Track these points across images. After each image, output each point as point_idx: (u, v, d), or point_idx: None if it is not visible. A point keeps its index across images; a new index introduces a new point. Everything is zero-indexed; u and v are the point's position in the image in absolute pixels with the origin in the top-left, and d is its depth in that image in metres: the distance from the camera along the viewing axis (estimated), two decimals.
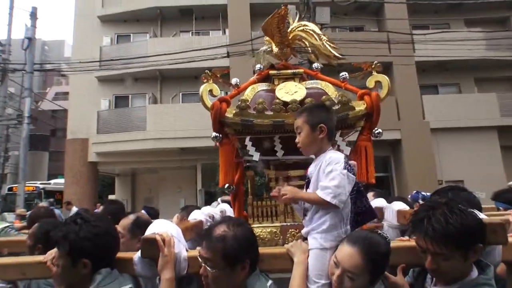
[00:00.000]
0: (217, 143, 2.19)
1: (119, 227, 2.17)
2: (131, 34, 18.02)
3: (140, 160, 16.00)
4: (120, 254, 1.82)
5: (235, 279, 1.51)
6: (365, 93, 2.22)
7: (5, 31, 14.98)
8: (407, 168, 13.83)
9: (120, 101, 17.51)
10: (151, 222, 2.04)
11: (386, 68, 15.39)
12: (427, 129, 14.46)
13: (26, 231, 2.70)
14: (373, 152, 2.20)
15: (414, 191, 4.82)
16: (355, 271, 1.41)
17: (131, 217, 2.17)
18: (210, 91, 2.21)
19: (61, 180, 25.02)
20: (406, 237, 1.86)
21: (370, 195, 3.12)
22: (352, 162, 1.79)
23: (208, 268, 1.50)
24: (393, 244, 1.65)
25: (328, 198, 1.56)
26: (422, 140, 14.09)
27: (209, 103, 2.16)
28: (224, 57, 13.81)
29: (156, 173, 17.82)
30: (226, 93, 2.47)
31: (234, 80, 2.35)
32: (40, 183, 22.81)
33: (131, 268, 1.71)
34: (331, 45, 2.42)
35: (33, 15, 13.41)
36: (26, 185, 22.64)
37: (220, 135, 2.17)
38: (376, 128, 2.21)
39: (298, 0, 10.50)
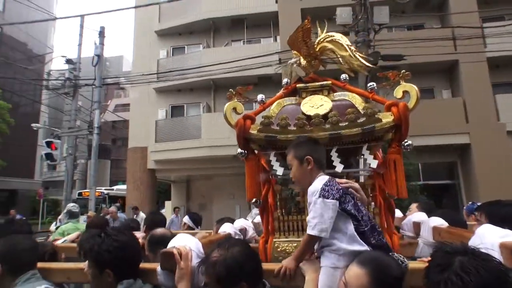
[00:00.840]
0: (243, 159, 2.29)
1: (143, 240, 2.34)
2: (185, 46, 18.93)
3: (195, 167, 16.65)
4: (145, 265, 1.99)
5: None
6: (393, 104, 2.17)
7: (76, 50, 16.28)
8: (478, 174, 12.68)
9: (176, 111, 18.45)
10: (164, 236, 2.20)
11: (451, 67, 14.57)
12: (502, 131, 13.12)
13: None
14: (403, 165, 2.16)
15: (470, 202, 4.53)
16: None
17: (157, 233, 2.32)
18: (234, 109, 2.32)
19: (122, 186, 27.11)
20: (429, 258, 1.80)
21: (413, 206, 3.05)
22: (331, 182, 1.80)
23: None
24: (413, 265, 1.63)
25: (308, 231, 1.70)
26: (496, 144, 12.87)
27: (233, 120, 2.26)
28: (276, 64, 13.97)
29: (210, 180, 18.41)
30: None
31: (259, 97, 2.43)
32: (105, 189, 25.18)
33: (155, 278, 1.86)
34: (360, 55, 2.42)
35: (101, 34, 14.42)
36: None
37: (246, 151, 2.26)
38: (405, 140, 2.16)
39: (352, 1, 10.35)
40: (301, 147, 1.93)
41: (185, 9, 17.83)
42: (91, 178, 14.26)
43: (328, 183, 1.77)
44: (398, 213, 2.65)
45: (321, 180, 1.80)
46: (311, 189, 1.78)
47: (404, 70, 2.27)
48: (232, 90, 2.35)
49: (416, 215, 2.59)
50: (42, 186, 33.91)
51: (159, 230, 2.41)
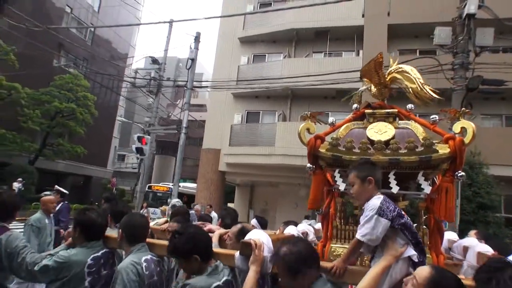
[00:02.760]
0: (311, 173, 2.72)
1: (230, 233, 2.88)
2: (266, 54, 19.59)
3: (264, 173, 17.20)
4: (226, 251, 2.55)
5: (299, 285, 2.02)
6: (450, 137, 2.45)
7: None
8: None
9: (252, 117, 19.12)
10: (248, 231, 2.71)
11: None
12: None
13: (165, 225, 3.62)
14: (454, 193, 2.44)
15: None
16: None
17: (239, 226, 2.83)
18: (308, 129, 2.76)
19: (188, 184, 28.99)
20: (463, 275, 2.09)
21: (472, 233, 3.25)
22: (387, 202, 2.14)
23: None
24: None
25: (357, 237, 2.09)
26: None
27: (306, 139, 2.71)
28: (356, 78, 14.03)
29: (275, 187, 18.84)
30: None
31: (330, 119, 2.85)
32: (172, 185, 26.63)
33: (232, 262, 2.39)
34: (429, 87, 2.73)
35: (197, 39, 15.48)
36: (162, 185, 26.82)
37: (314, 166, 2.69)
38: (459, 171, 2.44)
39: (452, 20, 10.11)
40: (364, 168, 2.30)
41: (269, 18, 18.51)
42: (176, 175, 15.18)
43: (384, 203, 2.11)
44: (454, 236, 2.89)
45: (378, 198, 2.16)
46: (370, 204, 2.13)
47: (464, 108, 2.54)
48: (307, 113, 2.80)
49: (467, 240, 2.81)
50: (114, 176, 37.36)
51: (246, 226, 2.93)
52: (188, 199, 25.06)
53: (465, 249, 2.64)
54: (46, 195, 8.07)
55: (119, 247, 2.76)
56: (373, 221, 2.05)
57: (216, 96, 19.43)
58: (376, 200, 2.13)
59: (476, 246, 2.62)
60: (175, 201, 8.25)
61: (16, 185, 14.93)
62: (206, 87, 17.47)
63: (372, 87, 2.89)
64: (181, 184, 30.32)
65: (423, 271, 1.71)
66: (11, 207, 3.07)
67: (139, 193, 17.48)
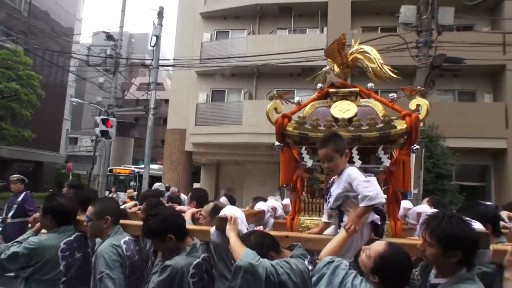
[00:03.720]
0: (279, 150, 2.87)
1: (202, 211, 3.01)
2: (230, 31, 19.18)
3: (232, 152, 17.22)
4: (201, 227, 2.69)
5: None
6: (407, 114, 2.67)
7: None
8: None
9: (217, 95, 18.85)
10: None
11: (497, 72, 14.47)
12: None
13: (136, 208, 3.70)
14: (410, 165, 2.68)
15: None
16: None
17: (211, 205, 2.96)
18: (275, 109, 2.90)
19: (153, 166, 28.47)
20: (417, 237, 2.33)
21: (425, 200, 3.55)
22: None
23: None
24: (405, 241, 2.20)
25: (368, 203, 2.16)
26: None
27: (273, 118, 2.85)
28: (322, 56, 14.22)
29: (241, 165, 18.89)
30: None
31: (296, 99, 2.99)
32: (135, 167, 26.22)
33: (209, 237, 2.50)
34: (387, 67, 2.92)
35: (160, 14, 14.61)
36: (124, 168, 26.08)
37: (282, 144, 2.85)
38: (414, 145, 2.67)
39: None
40: (340, 142, 2.41)
41: None
42: (146, 157, 14.57)
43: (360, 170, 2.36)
44: (409, 204, 3.16)
45: (353, 168, 2.37)
46: (351, 173, 2.30)
47: (419, 87, 2.76)
48: (274, 93, 2.93)
49: (420, 206, 3.08)
50: (67, 161, 34.93)
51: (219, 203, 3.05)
52: (152, 180, 24.70)
53: (419, 215, 2.89)
54: None
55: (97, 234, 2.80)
56: (370, 182, 2.22)
57: (180, 75, 18.95)
58: (354, 169, 2.34)
59: (429, 212, 2.87)
60: (158, 185, 8.16)
61: None
62: (174, 65, 16.81)
63: (335, 67, 3.04)
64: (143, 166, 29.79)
65: (378, 246, 1.89)
66: None
67: (101, 177, 16.95)
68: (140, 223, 2.71)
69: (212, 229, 2.49)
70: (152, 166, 28.88)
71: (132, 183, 23.30)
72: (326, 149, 2.36)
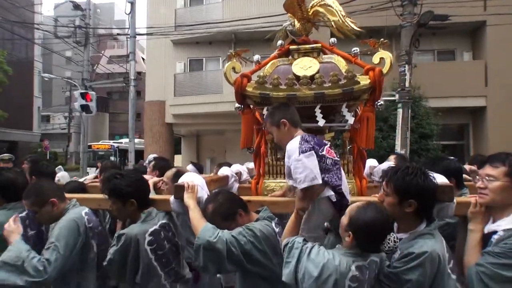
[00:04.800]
0: (240, 112, 2.76)
1: (164, 177, 2.92)
2: None
3: (212, 121, 17.04)
4: (161, 197, 2.59)
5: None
6: (370, 68, 2.57)
7: None
8: (491, 137, 13.17)
9: (195, 64, 18.45)
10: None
11: (477, 29, 14.39)
12: None
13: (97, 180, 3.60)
14: (374, 122, 2.61)
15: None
16: None
17: (173, 170, 2.88)
18: (233, 68, 2.77)
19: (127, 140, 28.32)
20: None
21: (392, 157, 3.53)
22: (306, 138, 2.10)
23: None
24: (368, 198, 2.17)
25: (300, 186, 1.99)
26: None
27: (232, 79, 2.72)
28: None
29: (221, 135, 18.79)
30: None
31: (255, 57, 2.86)
32: (114, 142, 26.30)
33: (169, 206, 2.44)
34: (350, 20, 2.80)
35: None
36: (102, 143, 25.90)
37: (242, 106, 2.74)
38: (378, 101, 2.59)
39: None
40: (274, 113, 2.29)
41: None
42: (131, 130, 14.09)
43: (302, 141, 2.06)
44: (374, 162, 3.13)
45: (296, 139, 2.09)
46: (289, 149, 2.08)
47: (382, 39, 2.65)
48: (231, 51, 2.79)
49: (386, 163, 3.06)
50: (42, 139, 34.18)
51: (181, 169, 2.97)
52: (136, 154, 24.54)
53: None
54: None
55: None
56: (301, 162, 1.98)
57: (155, 44, 18.41)
58: (294, 142, 2.08)
59: (381, 165, 2.88)
60: (152, 156, 7.87)
61: None
62: (150, 33, 16.13)
63: (296, 22, 2.89)
64: (124, 140, 29.53)
65: (355, 204, 1.88)
66: None
67: (82, 154, 16.69)
68: (98, 196, 2.62)
69: (172, 197, 2.41)
70: (127, 140, 28.75)
71: (112, 158, 22.94)
72: (265, 124, 2.31)
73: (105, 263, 2.33)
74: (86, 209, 2.56)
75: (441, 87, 13.03)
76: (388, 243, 1.71)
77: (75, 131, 37.74)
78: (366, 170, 2.91)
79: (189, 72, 18.31)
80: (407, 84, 9.58)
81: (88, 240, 2.46)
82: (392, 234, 1.73)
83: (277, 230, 2.18)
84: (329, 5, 2.78)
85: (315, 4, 2.83)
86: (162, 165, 3.62)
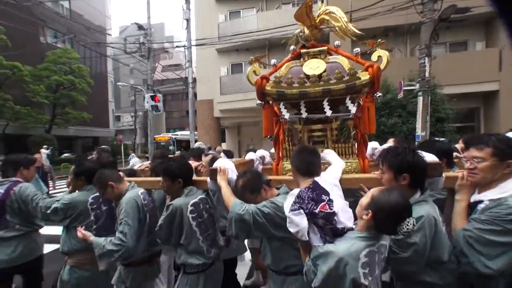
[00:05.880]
0: (261, 107, 2.85)
1: (203, 161, 3.07)
2: (241, 10, 18.96)
3: (251, 115, 17.37)
4: (200, 178, 2.76)
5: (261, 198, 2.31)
6: (369, 65, 2.55)
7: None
8: (502, 120, 12.35)
9: (236, 68, 18.99)
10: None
11: (491, 18, 13.42)
12: None
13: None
14: (374, 111, 2.61)
15: None
16: None
17: (210, 156, 3.03)
18: (254, 72, 2.84)
19: (183, 132, 29.49)
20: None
21: (391, 140, 3.49)
22: (302, 195, 1.92)
23: None
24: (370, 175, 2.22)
25: (300, 241, 1.89)
26: None
27: (253, 80, 2.80)
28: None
29: (258, 126, 19.10)
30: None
31: (272, 61, 2.91)
32: (172, 134, 27.85)
33: (206, 186, 2.61)
34: (351, 25, 2.79)
35: (188, 1, 14.51)
36: (163, 135, 27.41)
37: (263, 102, 2.82)
38: (377, 93, 2.58)
39: None
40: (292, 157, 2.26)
41: None
42: (191, 126, 14.66)
43: (297, 199, 1.89)
44: (376, 144, 3.11)
45: (292, 196, 1.94)
46: (285, 205, 1.94)
47: (380, 39, 2.62)
48: (252, 58, 2.86)
49: (386, 145, 3.02)
50: (116, 134, 37.58)
51: (215, 155, 3.11)
52: (186, 144, 25.72)
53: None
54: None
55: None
56: (290, 220, 1.86)
57: (203, 54, 19.10)
58: (289, 199, 1.93)
59: (382, 147, 2.85)
60: (199, 143, 8.71)
61: (44, 151, 15.21)
62: (202, 44, 16.60)
63: (305, 29, 2.92)
64: (180, 132, 30.87)
65: (379, 188, 1.78)
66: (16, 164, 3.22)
67: (150, 144, 17.55)
68: (152, 179, 2.80)
69: (208, 179, 2.57)
70: (184, 132, 30.12)
71: (171, 147, 24.45)
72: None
73: (156, 228, 2.52)
74: (141, 190, 2.76)
75: (454, 76, 12.42)
76: (407, 225, 1.56)
77: (139, 127, 40.67)
78: (369, 151, 2.90)
79: (231, 74, 18.81)
80: (427, 74, 9.21)
81: (144, 213, 2.67)
82: (411, 218, 1.58)
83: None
84: (333, 13, 2.78)
85: (321, 13, 2.83)
86: (197, 153, 3.80)
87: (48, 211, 2.80)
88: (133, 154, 14.47)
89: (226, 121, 19.65)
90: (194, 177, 2.78)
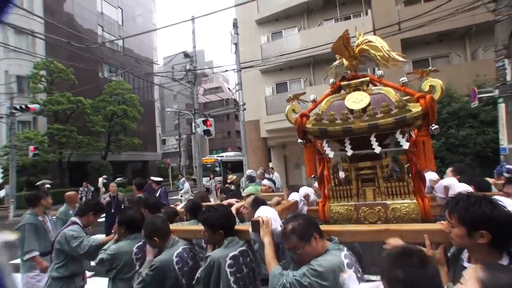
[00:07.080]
0: (303, 146, 2.70)
1: (245, 203, 2.96)
2: (283, 30, 19.04)
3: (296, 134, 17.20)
4: (242, 227, 2.56)
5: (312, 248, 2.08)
6: (421, 96, 2.31)
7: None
8: None
9: (280, 87, 18.96)
10: (264, 200, 2.77)
11: None
12: None
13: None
14: (430, 145, 2.34)
15: (499, 166, 4.23)
16: None
17: (252, 197, 2.91)
18: (293, 110, 2.71)
19: (228, 153, 30.49)
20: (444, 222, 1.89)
21: (449, 171, 3.12)
22: None
23: None
24: (430, 226, 1.94)
25: None
26: None
27: (292, 119, 2.67)
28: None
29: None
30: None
31: (311, 97, 2.76)
32: (217, 156, 28.62)
33: (248, 236, 2.40)
34: (395, 53, 2.57)
35: (235, 25, 14.86)
36: (209, 158, 28.19)
37: (304, 140, 2.67)
38: (432, 125, 2.31)
39: None
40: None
41: None
42: (243, 147, 14.78)
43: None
44: (434, 175, 2.78)
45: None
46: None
47: (430, 67, 2.37)
48: (290, 96, 2.74)
49: (446, 179, 2.66)
50: (162, 157, 40.45)
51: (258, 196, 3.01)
52: (232, 166, 25.90)
53: (446, 188, 2.52)
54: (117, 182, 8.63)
55: None
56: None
57: (247, 75, 19.34)
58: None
59: (456, 186, 2.48)
60: (249, 171, 8.30)
61: (101, 180, 16.56)
62: (251, 67, 16.79)
63: (344, 60, 2.75)
64: (225, 154, 31.29)
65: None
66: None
67: (198, 167, 17.90)
68: (193, 228, 2.75)
69: (250, 229, 2.39)
70: (229, 154, 30.64)
71: (217, 169, 25.01)
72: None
73: (194, 281, 2.38)
74: (179, 249, 2.60)
75: None
76: None
77: (183, 149, 42.65)
78: (428, 184, 2.61)
79: (277, 93, 18.77)
80: (508, 78, 7.95)
81: (176, 277, 2.52)
82: None
83: (345, 261, 1.95)
84: (373, 42, 2.59)
85: (360, 43, 2.66)
86: (225, 189, 3.67)
87: (96, 261, 2.85)
88: (184, 178, 14.78)
89: (272, 141, 19.62)
90: (236, 227, 2.64)
